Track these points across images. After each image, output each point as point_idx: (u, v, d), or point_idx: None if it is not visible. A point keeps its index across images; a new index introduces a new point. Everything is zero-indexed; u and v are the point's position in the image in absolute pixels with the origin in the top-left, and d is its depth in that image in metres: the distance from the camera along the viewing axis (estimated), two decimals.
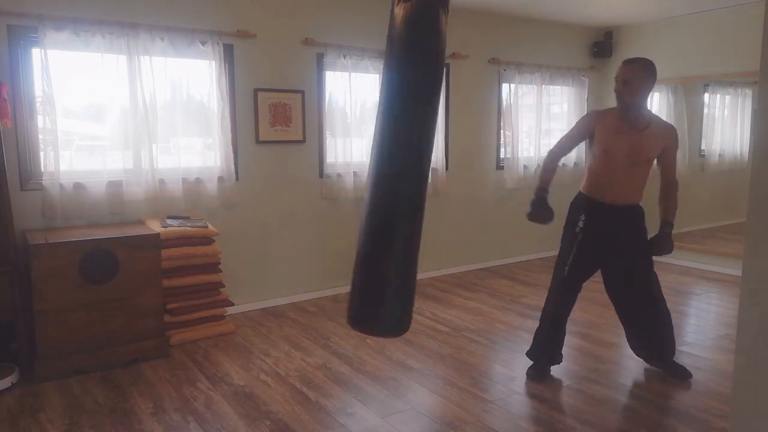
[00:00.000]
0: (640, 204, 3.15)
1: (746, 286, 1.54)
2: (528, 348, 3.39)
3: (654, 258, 3.17)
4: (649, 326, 3.25)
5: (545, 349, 3.29)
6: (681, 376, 3.24)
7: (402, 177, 1.80)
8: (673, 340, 3.30)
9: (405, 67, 1.80)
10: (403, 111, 1.80)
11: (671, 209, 3.12)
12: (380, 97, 1.87)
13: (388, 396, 3.09)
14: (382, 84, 1.86)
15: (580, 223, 3.10)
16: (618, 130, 3.02)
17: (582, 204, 3.15)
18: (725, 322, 4.21)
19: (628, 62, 3.01)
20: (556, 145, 3.23)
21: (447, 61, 5.33)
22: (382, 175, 1.81)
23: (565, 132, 3.29)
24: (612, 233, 3.09)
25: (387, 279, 1.95)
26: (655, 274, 3.19)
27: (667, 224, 3.11)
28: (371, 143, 1.90)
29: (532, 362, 3.33)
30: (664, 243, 3.08)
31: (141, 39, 3.83)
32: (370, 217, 1.89)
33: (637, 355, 3.42)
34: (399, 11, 1.86)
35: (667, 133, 3.09)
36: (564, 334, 3.31)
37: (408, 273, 2.05)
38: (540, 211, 3.12)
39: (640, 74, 2.94)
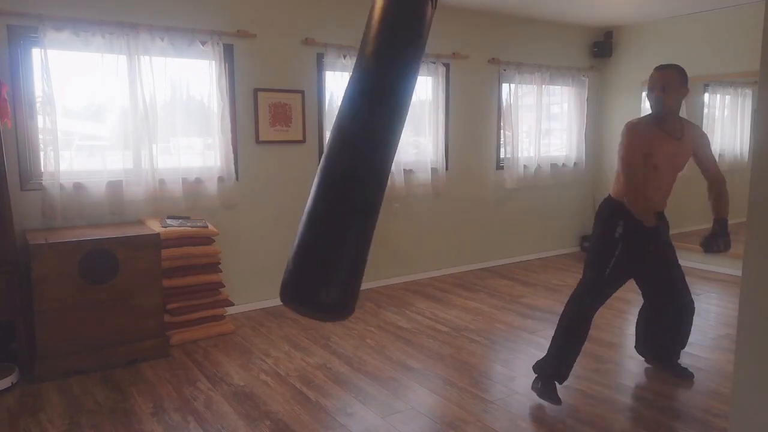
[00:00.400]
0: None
1: (746, 286, 1.54)
2: (535, 359, 3.21)
3: (707, 256, 3.09)
4: (670, 326, 3.23)
5: (559, 363, 3.01)
6: (684, 377, 3.25)
7: (351, 176, 1.55)
8: (683, 344, 3.30)
9: (377, 58, 1.62)
10: (363, 105, 1.59)
11: (724, 205, 3.01)
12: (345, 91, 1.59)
13: (388, 396, 3.09)
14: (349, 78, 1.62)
15: (619, 229, 2.95)
16: (662, 141, 2.90)
17: (618, 211, 2.98)
18: (725, 322, 4.21)
19: (664, 67, 2.91)
20: (630, 173, 2.86)
21: (447, 61, 5.33)
22: (330, 172, 1.55)
23: (618, 151, 2.87)
24: (650, 239, 2.96)
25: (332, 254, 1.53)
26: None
27: (721, 221, 2.98)
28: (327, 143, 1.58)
29: (541, 378, 3.04)
30: (720, 240, 2.94)
31: (141, 39, 3.83)
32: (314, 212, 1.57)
33: (641, 352, 3.41)
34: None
35: (698, 134, 3.06)
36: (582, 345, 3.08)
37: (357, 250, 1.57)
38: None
39: (677, 79, 2.87)
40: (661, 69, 2.93)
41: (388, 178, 1.65)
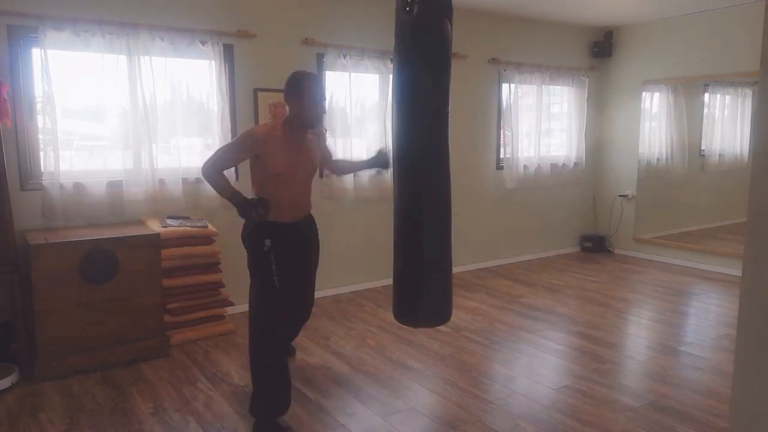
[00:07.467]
0: None
1: (746, 286, 1.54)
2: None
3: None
4: None
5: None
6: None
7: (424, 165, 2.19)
8: None
9: (417, 68, 2.17)
10: (420, 106, 2.17)
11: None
12: (396, 96, 2.23)
13: (388, 396, 3.09)
14: (398, 84, 2.22)
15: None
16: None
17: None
18: (725, 322, 4.21)
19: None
20: None
21: None
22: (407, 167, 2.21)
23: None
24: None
25: (421, 271, 2.24)
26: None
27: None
28: (394, 140, 2.27)
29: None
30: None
31: (141, 39, 3.83)
32: (399, 213, 2.26)
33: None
34: (406, 19, 2.20)
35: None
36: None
37: (441, 263, 2.37)
38: None
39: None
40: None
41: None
